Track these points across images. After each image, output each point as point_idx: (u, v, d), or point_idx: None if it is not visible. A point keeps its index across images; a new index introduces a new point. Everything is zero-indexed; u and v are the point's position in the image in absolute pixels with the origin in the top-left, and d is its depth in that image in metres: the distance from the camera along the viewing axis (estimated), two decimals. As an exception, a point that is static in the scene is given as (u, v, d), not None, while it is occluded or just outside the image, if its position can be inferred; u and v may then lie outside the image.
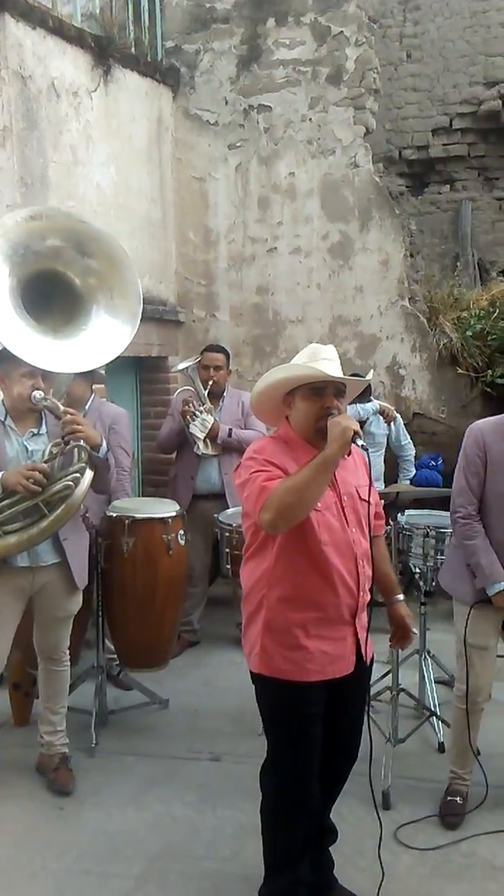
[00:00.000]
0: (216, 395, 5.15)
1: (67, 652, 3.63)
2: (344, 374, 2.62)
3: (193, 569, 4.92)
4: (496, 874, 2.97)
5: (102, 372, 4.96)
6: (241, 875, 2.95)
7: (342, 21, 6.00)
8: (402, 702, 3.97)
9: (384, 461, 5.64)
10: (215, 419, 5.02)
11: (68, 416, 3.28)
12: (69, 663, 3.66)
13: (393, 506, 4.13)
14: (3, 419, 3.41)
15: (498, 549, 3.18)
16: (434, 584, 3.89)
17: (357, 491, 2.60)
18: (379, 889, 2.72)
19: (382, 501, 5.00)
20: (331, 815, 2.87)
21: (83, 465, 3.31)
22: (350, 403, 5.16)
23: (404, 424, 5.77)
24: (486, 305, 6.21)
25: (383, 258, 6.07)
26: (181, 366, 5.20)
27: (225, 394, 5.22)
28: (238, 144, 6.27)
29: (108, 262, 3.33)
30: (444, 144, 8.23)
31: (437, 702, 4.02)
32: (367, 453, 2.55)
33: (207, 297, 6.43)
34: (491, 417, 3.30)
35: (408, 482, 5.65)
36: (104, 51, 5.31)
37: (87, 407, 4.54)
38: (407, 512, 4.39)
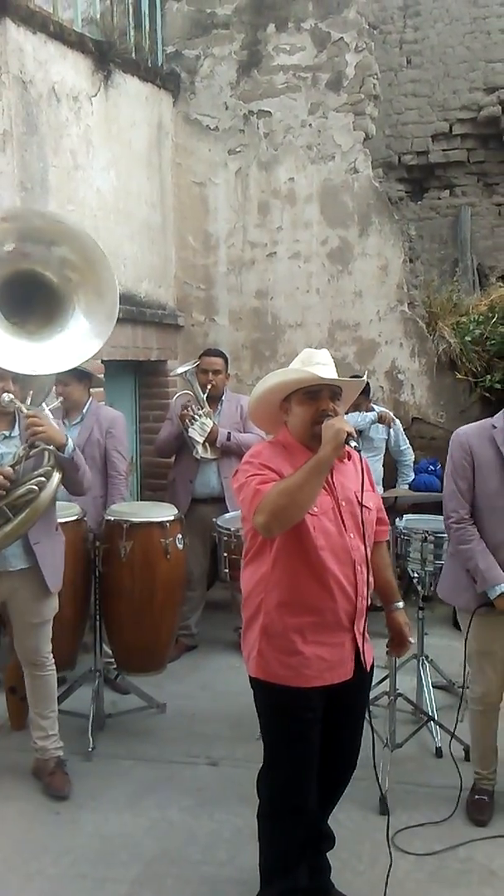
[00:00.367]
0: (215, 399, 5.16)
1: (50, 656, 3.58)
2: (340, 378, 2.63)
3: (192, 573, 4.92)
4: (493, 880, 2.97)
5: (101, 376, 4.97)
6: (237, 879, 2.95)
7: (342, 27, 6.02)
8: (400, 707, 3.96)
9: (383, 466, 5.64)
10: (214, 423, 5.02)
11: (29, 417, 3.24)
12: (54, 667, 3.61)
13: (392, 510, 4.13)
14: None
15: (494, 550, 3.19)
16: (433, 588, 3.89)
17: (356, 496, 2.59)
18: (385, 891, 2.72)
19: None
20: (328, 821, 2.87)
21: (49, 468, 3.28)
22: (352, 410, 5.23)
23: (403, 429, 5.77)
24: (485, 310, 6.22)
25: (382, 263, 6.09)
26: (180, 370, 5.21)
27: (223, 398, 5.23)
28: (238, 149, 6.28)
29: (84, 261, 3.29)
30: (443, 150, 8.25)
31: (434, 707, 4.02)
32: (360, 455, 2.54)
33: (207, 302, 6.44)
34: (474, 423, 3.36)
35: (406, 487, 5.65)
36: (105, 56, 5.32)
37: (84, 411, 4.56)
38: (405, 517, 4.40)
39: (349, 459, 2.65)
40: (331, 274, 6.17)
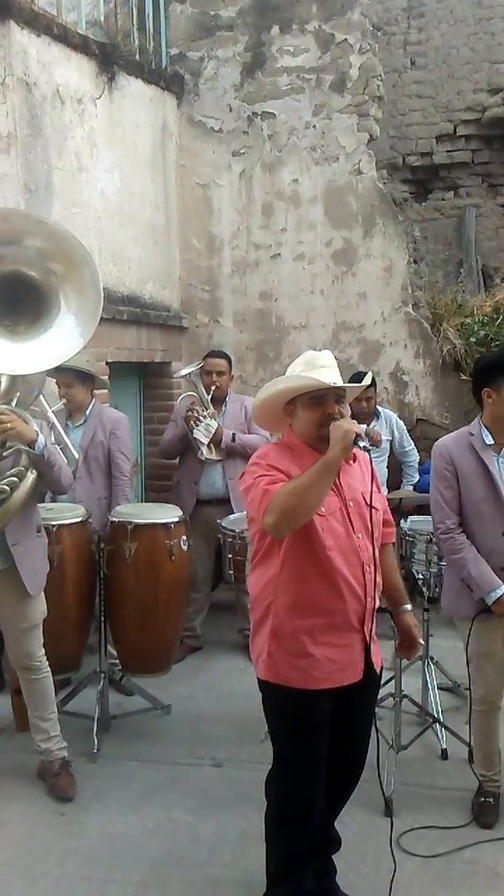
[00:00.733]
0: (219, 401, 5.16)
1: (44, 659, 3.55)
2: (343, 379, 2.64)
3: (196, 574, 4.93)
4: (498, 882, 2.96)
5: (105, 378, 4.98)
6: (242, 881, 2.94)
7: (346, 28, 6.02)
8: (405, 708, 3.95)
9: (388, 467, 5.64)
10: (219, 424, 5.03)
11: None
12: (49, 670, 3.58)
13: (396, 512, 4.12)
14: None
15: (487, 556, 3.20)
16: (438, 590, 3.89)
17: (363, 497, 2.60)
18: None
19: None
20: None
21: (23, 467, 3.25)
22: (355, 404, 5.23)
23: (407, 430, 5.77)
24: (489, 311, 6.21)
25: (387, 264, 6.08)
26: (184, 371, 5.21)
27: (227, 399, 5.23)
28: (242, 151, 6.29)
29: (68, 260, 3.24)
30: (447, 151, 8.23)
31: (440, 708, 4.01)
32: (370, 455, 2.54)
33: (211, 303, 6.44)
34: (452, 433, 3.43)
35: (411, 488, 5.64)
36: (109, 58, 5.33)
37: (87, 412, 4.56)
38: (410, 518, 4.39)
39: (355, 461, 2.65)
40: (335, 275, 6.17)
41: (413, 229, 6.76)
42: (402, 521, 4.20)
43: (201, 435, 4.99)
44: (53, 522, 3.85)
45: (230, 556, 4.18)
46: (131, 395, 6.16)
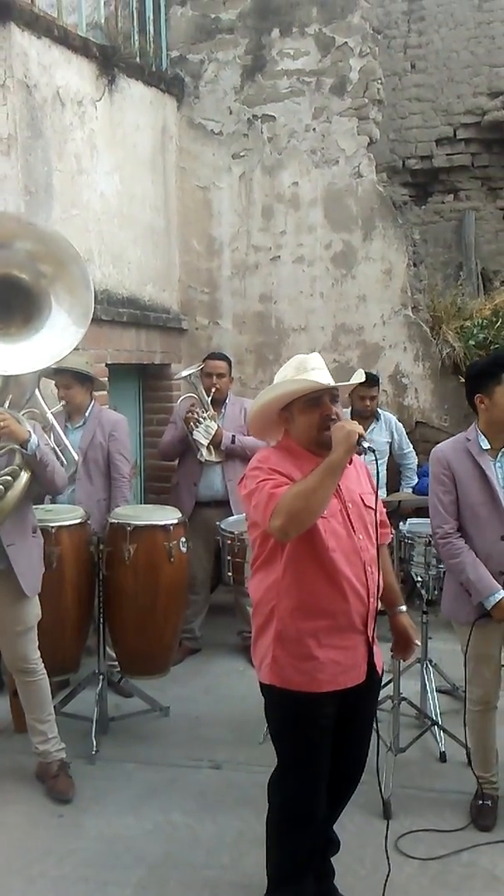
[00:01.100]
0: (218, 403, 5.17)
1: (40, 662, 3.54)
2: (345, 381, 2.66)
3: (195, 576, 4.92)
4: (496, 885, 2.96)
5: (104, 379, 4.98)
6: (240, 883, 2.94)
7: (346, 32, 6.03)
8: (404, 711, 3.95)
9: (387, 470, 5.64)
10: (219, 426, 5.03)
11: None
12: (44, 672, 3.57)
13: (395, 514, 4.12)
14: None
15: (485, 560, 3.22)
16: (436, 592, 3.90)
17: (361, 498, 2.61)
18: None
19: (385, 510, 4.99)
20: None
21: (16, 467, 3.25)
22: (359, 404, 5.24)
23: (407, 433, 5.77)
24: (489, 315, 6.22)
25: (386, 267, 6.09)
26: (184, 373, 5.22)
27: (227, 401, 5.23)
28: (242, 154, 6.29)
29: (57, 262, 3.25)
30: (447, 154, 8.24)
31: (438, 711, 4.01)
32: (375, 456, 2.53)
33: (210, 306, 6.45)
34: (450, 438, 3.45)
35: (410, 490, 5.64)
36: (109, 60, 5.34)
37: (87, 414, 4.56)
38: (409, 521, 4.39)
39: (350, 463, 2.65)
40: (335, 278, 6.17)
41: (413, 232, 6.77)
42: (400, 523, 4.20)
43: (201, 437, 4.99)
44: (52, 524, 3.85)
45: (229, 558, 4.18)
46: (131, 397, 6.17)
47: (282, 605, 2.51)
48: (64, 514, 4.03)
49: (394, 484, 5.71)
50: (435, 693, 4.11)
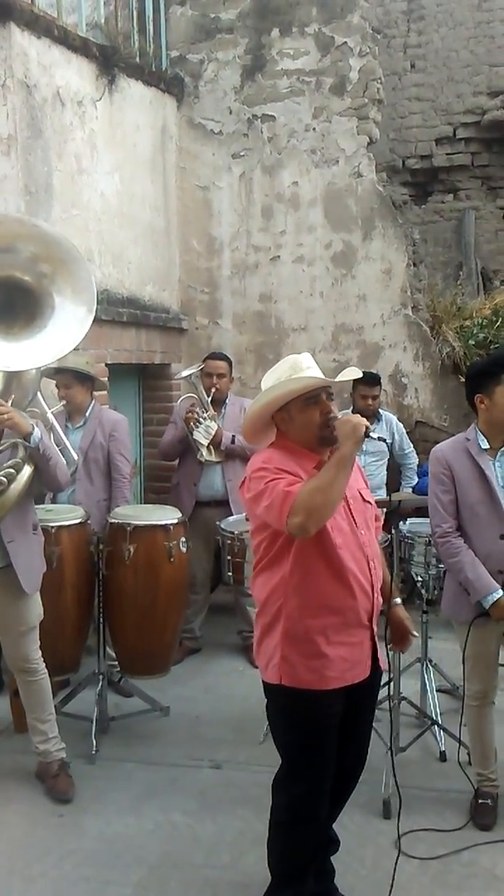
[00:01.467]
0: (218, 403, 5.17)
1: (41, 661, 3.54)
2: (346, 375, 2.67)
3: (195, 576, 4.93)
4: (497, 884, 2.96)
5: (104, 379, 4.99)
6: (240, 883, 2.94)
7: (346, 31, 6.04)
8: (404, 710, 3.96)
9: (387, 469, 5.64)
10: (219, 426, 5.03)
11: None
12: (46, 671, 3.57)
13: (395, 514, 4.13)
14: None
15: (485, 560, 3.23)
16: (436, 592, 3.90)
17: (360, 493, 2.63)
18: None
19: (384, 509, 5.00)
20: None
21: (19, 461, 3.24)
22: (361, 403, 5.24)
23: (407, 433, 5.77)
24: (488, 314, 6.22)
25: (386, 267, 6.09)
26: (185, 373, 5.22)
27: (227, 401, 5.24)
28: (242, 154, 6.30)
29: (59, 261, 3.25)
30: (447, 154, 8.24)
31: (438, 710, 4.01)
32: (386, 443, 2.51)
33: (210, 305, 6.45)
34: (449, 438, 3.47)
35: (410, 490, 5.64)
36: (109, 60, 5.34)
37: (87, 414, 4.56)
38: (409, 520, 4.39)
39: None
40: (334, 278, 6.17)
41: (412, 232, 6.77)
42: (401, 523, 4.20)
43: (201, 437, 4.99)
44: (52, 524, 3.85)
45: (229, 557, 4.18)
46: (131, 397, 6.17)
47: (289, 603, 2.50)
48: (64, 514, 4.03)
49: (394, 484, 5.71)
50: (435, 693, 4.12)
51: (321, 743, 2.54)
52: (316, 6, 6.08)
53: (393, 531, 3.73)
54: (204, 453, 5.01)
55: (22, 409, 3.34)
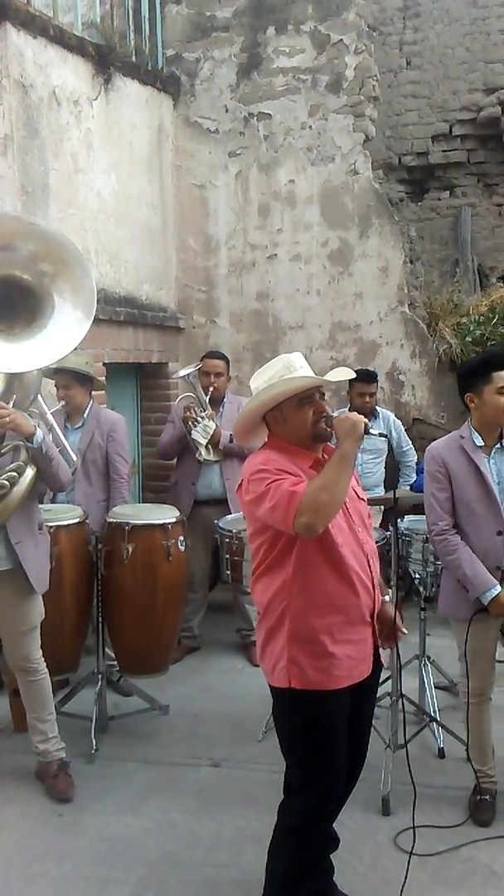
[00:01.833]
0: (216, 402, 5.17)
1: (42, 661, 3.55)
2: (342, 373, 2.67)
3: (194, 575, 4.93)
4: (495, 880, 2.97)
5: (102, 379, 4.98)
6: (239, 881, 2.95)
7: (342, 29, 6.03)
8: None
9: (385, 467, 5.65)
10: (217, 425, 5.03)
11: None
12: (46, 671, 3.57)
13: (393, 511, 4.13)
14: None
15: (483, 557, 3.24)
16: (434, 589, 3.91)
17: (354, 490, 2.64)
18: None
19: (382, 507, 5.00)
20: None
21: (21, 462, 3.25)
22: (359, 401, 5.24)
23: (404, 430, 5.78)
24: (485, 311, 6.22)
25: (383, 264, 6.09)
26: (182, 372, 5.22)
27: (225, 400, 5.24)
28: (238, 152, 6.29)
29: (59, 260, 3.25)
30: (443, 151, 8.24)
31: (437, 707, 4.02)
32: (388, 438, 2.53)
33: (208, 304, 6.45)
34: (444, 437, 3.49)
35: (408, 488, 5.64)
36: (105, 59, 5.33)
37: (85, 414, 4.56)
38: (407, 518, 4.39)
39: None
40: (331, 275, 6.18)
41: (409, 229, 6.78)
42: (398, 520, 4.21)
43: (199, 436, 4.99)
44: (51, 523, 3.85)
45: (227, 556, 4.18)
46: (128, 396, 6.17)
47: (293, 605, 2.50)
48: (62, 514, 4.04)
49: (392, 481, 5.72)
50: (433, 689, 4.13)
51: (334, 744, 2.54)
52: (311, 4, 6.07)
53: (390, 528, 3.73)
54: (202, 452, 5.01)
55: (24, 410, 3.34)
